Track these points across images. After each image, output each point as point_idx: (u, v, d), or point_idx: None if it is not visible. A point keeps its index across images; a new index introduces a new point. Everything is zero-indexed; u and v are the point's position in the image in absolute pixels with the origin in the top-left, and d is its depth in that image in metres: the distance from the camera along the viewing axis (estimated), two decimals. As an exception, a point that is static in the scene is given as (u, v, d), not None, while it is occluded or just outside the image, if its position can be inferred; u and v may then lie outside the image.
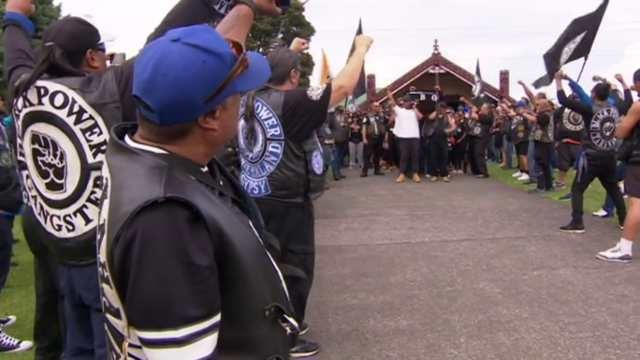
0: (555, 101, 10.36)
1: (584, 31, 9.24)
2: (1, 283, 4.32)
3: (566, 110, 10.39)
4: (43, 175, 2.35)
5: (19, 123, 2.37)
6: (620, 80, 8.88)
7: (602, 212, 8.74)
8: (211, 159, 1.39)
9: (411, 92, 15.20)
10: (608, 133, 7.53)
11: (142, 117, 1.26)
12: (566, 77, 8.67)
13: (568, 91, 8.76)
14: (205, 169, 1.35)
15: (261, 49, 29.64)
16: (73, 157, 2.28)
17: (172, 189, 1.14)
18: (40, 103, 2.27)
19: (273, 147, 3.68)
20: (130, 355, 1.22)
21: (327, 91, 3.53)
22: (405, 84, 23.94)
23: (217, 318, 1.15)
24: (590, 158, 7.58)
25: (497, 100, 20.90)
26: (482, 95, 18.41)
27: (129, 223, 1.11)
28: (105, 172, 1.28)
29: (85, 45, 2.41)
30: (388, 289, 5.46)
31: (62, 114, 2.25)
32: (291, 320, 1.35)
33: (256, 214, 1.48)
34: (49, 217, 2.39)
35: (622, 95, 9.08)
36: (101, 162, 2.20)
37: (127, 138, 1.30)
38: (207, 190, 1.25)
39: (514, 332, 4.31)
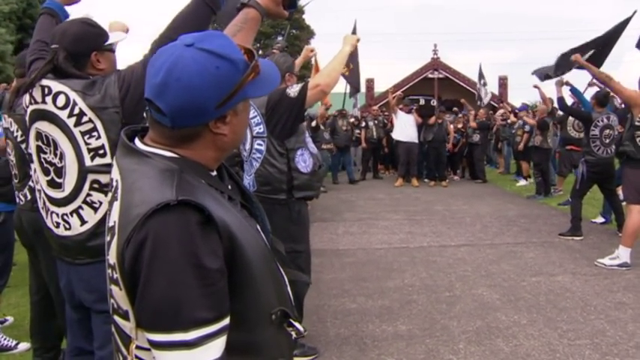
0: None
1: (602, 46, 9.12)
2: (4, 283, 4.32)
3: (571, 117, 10.38)
4: (45, 172, 2.38)
5: (26, 118, 2.40)
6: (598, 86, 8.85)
7: (600, 219, 8.75)
8: (220, 163, 1.39)
9: (411, 97, 15.20)
10: (607, 141, 7.53)
11: (153, 120, 1.26)
12: (567, 83, 8.67)
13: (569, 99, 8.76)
14: (214, 173, 1.35)
15: (260, 52, 29.69)
16: (71, 158, 2.29)
17: (184, 192, 1.14)
18: (44, 101, 2.29)
19: (258, 144, 3.78)
20: (137, 357, 1.22)
21: (304, 89, 3.59)
22: (404, 88, 23.96)
23: (227, 321, 1.16)
24: (590, 165, 7.58)
25: (496, 105, 20.94)
26: (490, 102, 18.39)
27: (140, 225, 1.11)
28: (115, 174, 1.29)
29: (90, 47, 2.40)
30: (387, 294, 5.46)
31: (63, 115, 2.26)
32: (297, 324, 1.36)
33: (263, 218, 1.49)
34: (49, 213, 2.42)
35: (618, 103, 9.09)
36: (98, 166, 2.24)
37: (137, 141, 1.31)
38: (217, 193, 1.25)
39: (513, 338, 4.31)
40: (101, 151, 2.26)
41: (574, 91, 8.84)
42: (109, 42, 2.48)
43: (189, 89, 1.16)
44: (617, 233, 7.55)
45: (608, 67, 7.15)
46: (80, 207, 2.31)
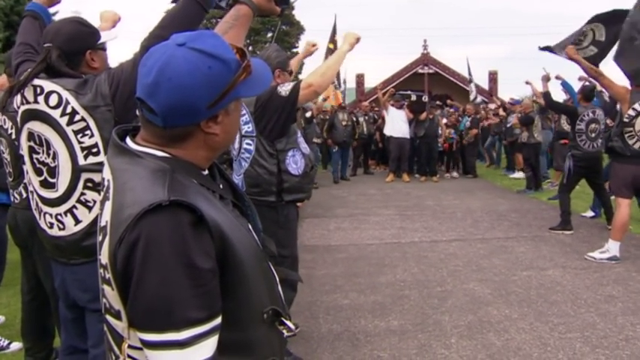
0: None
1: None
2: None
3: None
4: (38, 172, 2.36)
5: (18, 119, 2.38)
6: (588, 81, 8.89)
7: (590, 213, 8.81)
8: (212, 162, 1.40)
9: (401, 92, 15.18)
10: (593, 135, 7.56)
11: (144, 120, 1.26)
12: (558, 77, 8.70)
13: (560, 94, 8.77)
14: (206, 172, 1.36)
15: (250, 48, 29.60)
16: (64, 157, 2.28)
17: (176, 192, 1.14)
18: (36, 101, 2.28)
19: (246, 144, 3.67)
20: (129, 357, 1.22)
21: (296, 88, 3.48)
22: (395, 83, 24.02)
23: (219, 320, 1.16)
24: (576, 159, 7.62)
25: (486, 100, 21.01)
26: (478, 99, 18.33)
27: (133, 225, 1.12)
28: (106, 173, 1.29)
29: (84, 46, 2.39)
30: (379, 289, 5.47)
31: (56, 114, 2.25)
32: (288, 323, 1.36)
33: (254, 217, 1.49)
34: (42, 214, 2.41)
35: (607, 97, 9.10)
36: (92, 164, 2.23)
37: (128, 140, 1.31)
38: (208, 193, 1.25)
39: (504, 333, 4.34)
40: (94, 150, 2.26)
41: (565, 86, 8.87)
42: (101, 41, 2.48)
43: (181, 89, 1.17)
44: (606, 227, 7.61)
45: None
46: (74, 206, 2.31)
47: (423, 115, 14.12)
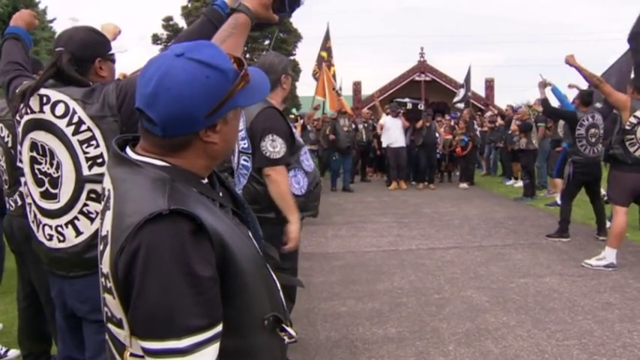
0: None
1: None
2: None
3: (561, 122, 10.42)
4: (39, 183, 2.34)
5: (19, 130, 2.37)
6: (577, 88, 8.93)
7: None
8: (212, 171, 1.41)
9: (398, 100, 15.17)
10: (593, 139, 7.54)
11: (144, 129, 1.27)
12: (549, 84, 8.72)
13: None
14: (206, 180, 1.37)
15: (248, 55, 29.64)
16: (68, 167, 2.27)
17: (176, 201, 1.16)
18: (42, 111, 2.27)
19: (244, 160, 3.58)
20: None
21: (278, 162, 3.40)
22: (391, 91, 24.06)
23: (220, 328, 1.17)
24: (577, 165, 7.61)
25: (483, 108, 21.05)
26: (459, 105, 18.19)
27: (133, 234, 1.13)
28: (107, 183, 1.30)
29: (95, 53, 2.41)
30: (376, 297, 5.48)
31: (62, 124, 2.25)
32: (289, 329, 1.37)
33: (254, 224, 1.50)
34: (41, 226, 2.39)
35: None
36: (96, 175, 2.23)
37: (128, 150, 1.32)
38: (208, 201, 1.27)
39: (502, 340, 4.34)
40: (99, 160, 2.25)
41: (555, 92, 8.88)
42: (111, 52, 2.50)
43: (180, 99, 1.18)
44: (597, 236, 7.68)
45: (591, 71, 7.15)
46: (76, 217, 2.29)
47: (419, 123, 14.12)
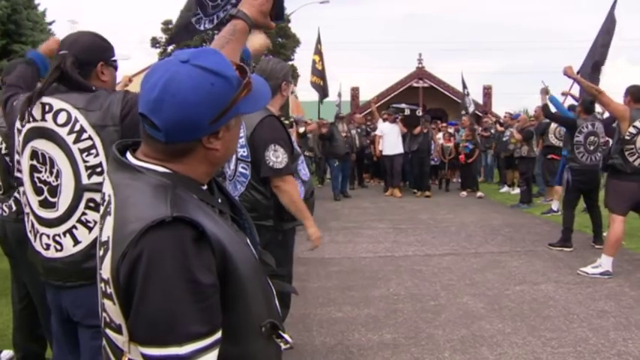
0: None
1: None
2: None
3: (553, 125, 10.44)
4: (38, 192, 2.34)
5: (19, 139, 2.37)
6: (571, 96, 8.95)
7: None
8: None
9: (396, 105, 15.14)
10: (592, 147, 7.52)
11: (146, 135, 1.28)
12: (545, 92, 8.74)
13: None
14: (205, 187, 1.38)
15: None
16: (68, 176, 2.27)
17: (178, 208, 1.16)
18: (44, 119, 2.27)
19: (242, 167, 3.58)
20: None
21: (283, 172, 3.43)
22: (389, 97, 24.08)
23: (219, 334, 1.18)
24: (574, 173, 7.61)
25: (481, 114, 21.08)
26: (473, 110, 18.10)
27: (136, 241, 1.13)
28: (107, 188, 1.30)
29: (98, 57, 2.42)
30: (372, 303, 5.48)
31: (63, 132, 2.25)
32: (286, 336, 1.38)
33: (252, 230, 1.51)
34: (38, 235, 2.38)
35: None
36: (95, 184, 2.22)
37: (128, 155, 1.33)
38: (208, 208, 1.28)
39: (497, 347, 4.35)
40: (99, 169, 2.25)
41: (552, 100, 8.89)
42: (114, 58, 2.51)
43: (185, 105, 1.19)
44: (593, 244, 7.70)
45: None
46: (74, 226, 2.28)
47: (417, 130, 14.07)
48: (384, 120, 14.32)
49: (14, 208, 3.40)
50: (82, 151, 2.25)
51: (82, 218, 2.28)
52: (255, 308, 1.31)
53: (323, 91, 15.56)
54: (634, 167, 6.16)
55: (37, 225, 2.37)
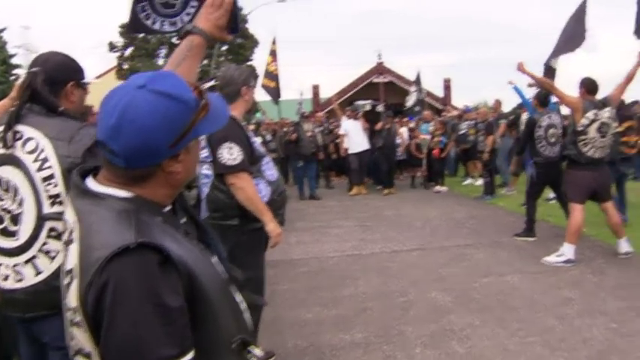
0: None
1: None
2: None
3: (523, 117, 10.57)
4: None
5: None
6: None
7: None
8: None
9: (359, 102, 15.12)
10: (553, 139, 7.63)
11: (106, 160, 1.27)
12: (510, 83, 8.84)
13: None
14: (170, 207, 1.38)
15: (205, 61, 29.41)
16: (31, 204, 2.21)
17: (142, 234, 1.16)
18: (13, 146, 2.22)
19: (205, 169, 3.59)
20: None
21: (236, 168, 3.45)
22: (350, 93, 24.17)
23: (191, 355, 1.18)
24: (538, 166, 7.75)
25: (441, 108, 21.29)
26: (416, 108, 17.97)
27: (102, 268, 1.13)
28: (70, 215, 1.29)
29: (69, 76, 2.38)
30: (341, 302, 5.50)
31: (29, 160, 2.19)
32: (256, 351, 1.38)
33: (217, 247, 1.50)
34: None
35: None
36: (56, 213, 2.16)
37: (90, 180, 1.32)
38: (173, 230, 1.28)
39: (467, 340, 4.41)
40: (59, 199, 2.19)
41: (517, 91, 9.00)
42: (85, 81, 2.48)
43: (143, 131, 1.19)
44: (561, 233, 7.79)
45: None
46: (35, 256, 2.22)
47: (379, 125, 14.10)
48: (348, 117, 14.24)
49: None
50: (44, 179, 2.19)
51: (44, 248, 2.22)
52: (225, 325, 1.31)
53: (276, 93, 15.30)
54: (587, 157, 6.32)
55: None
